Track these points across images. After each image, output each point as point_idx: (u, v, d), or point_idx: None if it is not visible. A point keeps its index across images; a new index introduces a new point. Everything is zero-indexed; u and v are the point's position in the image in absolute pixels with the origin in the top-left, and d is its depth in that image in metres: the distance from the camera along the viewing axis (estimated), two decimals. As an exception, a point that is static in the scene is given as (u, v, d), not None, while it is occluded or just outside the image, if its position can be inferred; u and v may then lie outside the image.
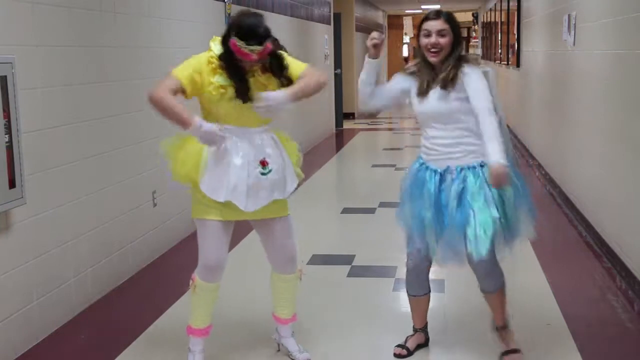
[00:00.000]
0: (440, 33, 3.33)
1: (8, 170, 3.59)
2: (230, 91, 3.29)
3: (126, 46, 5.00)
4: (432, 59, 3.36)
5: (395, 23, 28.57)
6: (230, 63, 3.27)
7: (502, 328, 3.61)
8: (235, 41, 3.20)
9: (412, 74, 3.51)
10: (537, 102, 8.99)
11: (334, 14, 14.26)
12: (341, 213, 7.05)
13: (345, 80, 15.48)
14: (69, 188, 4.26)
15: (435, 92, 3.38)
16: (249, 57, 3.21)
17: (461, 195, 3.35)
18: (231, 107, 3.32)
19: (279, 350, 3.77)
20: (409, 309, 3.83)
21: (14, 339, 3.75)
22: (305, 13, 11.39)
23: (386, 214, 6.90)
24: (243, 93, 3.29)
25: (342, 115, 15.06)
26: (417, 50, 3.46)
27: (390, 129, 15.05)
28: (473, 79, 3.32)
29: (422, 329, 3.80)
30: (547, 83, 8.37)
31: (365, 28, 19.23)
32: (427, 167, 3.47)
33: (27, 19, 3.85)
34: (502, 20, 14.30)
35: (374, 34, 3.46)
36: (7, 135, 3.56)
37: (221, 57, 3.29)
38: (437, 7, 24.74)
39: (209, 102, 3.34)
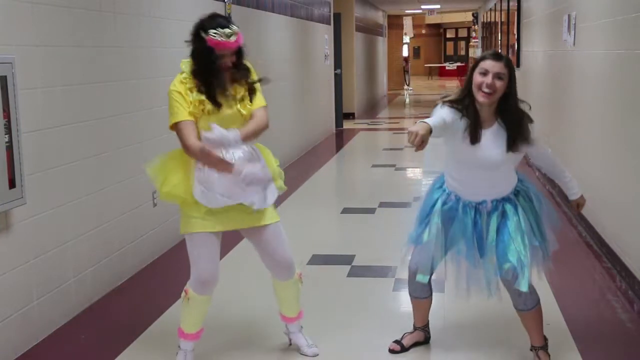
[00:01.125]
0: (498, 76, 3.20)
1: (8, 170, 3.59)
2: (208, 104, 3.35)
3: (126, 46, 5.00)
4: (482, 99, 3.21)
5: (395, 23, 28.57)
6: (205, 67, 3.33)
7: (539, 349, 3.53)
8: (211, 36, 3.28)
9: (453, 106, 3.29)
10: (537, 102, 8.98)
11: (334, 14, 14.26)
12: (341, 213, 7.05)
13: (345, 80, 15.48)
14: (69, 188, 4.26)
15: (490, 137, 3.27)
16: (229, 45, 3.29)
17: (500, 226, 3.32)
18: (212, 121, 3.35)
19: (290, 344, 3.82)
20: (408, 309, 3.84)
21: (13, 338, 3.76)
22: (305, 13, 11.39)
23: (386, 214, 6.91)
24: (214, 95, 3.35)
25: (342, 115, 15.05)
26: (465, 87, 3.29)
27: (390, 129, 15.04)
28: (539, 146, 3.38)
29: (422, 327, 3.80)
30: (547, 83, 8.37)
31: (365, 28, 19.23)
32: (458, 198, 3.40)
33: (27, 19, 3.85)
34: (502, 20, 14.30)
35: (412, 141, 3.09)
36: (7, 135, 3.56)
37: (194, 71, 3.36)
38: (437, 6, 24.77)
39: (201, 119, 3.37)
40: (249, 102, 3.46)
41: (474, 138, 3.25)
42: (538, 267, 3.44)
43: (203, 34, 3.32)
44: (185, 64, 3.41)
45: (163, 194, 3.44)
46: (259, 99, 3.51)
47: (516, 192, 3.38)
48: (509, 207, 3.34)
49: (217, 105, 3.35)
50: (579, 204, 3.63)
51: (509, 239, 3.30)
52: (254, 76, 3.51)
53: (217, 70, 3.34)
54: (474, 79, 3.23)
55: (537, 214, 3.39)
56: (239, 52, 3.41)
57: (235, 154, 3.35)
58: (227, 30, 3.30)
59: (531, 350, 3.55)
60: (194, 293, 3.45)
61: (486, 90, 3.19)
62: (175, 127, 3.36)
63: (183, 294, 3.49)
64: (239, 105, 3.42)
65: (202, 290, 3.45)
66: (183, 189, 3.39)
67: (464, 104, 3.27)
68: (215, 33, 3.29)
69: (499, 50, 3.39)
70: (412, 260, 3.61)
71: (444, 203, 3.42)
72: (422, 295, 3.70)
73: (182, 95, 3.35)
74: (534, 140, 3.32)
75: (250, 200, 3.38)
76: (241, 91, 3.44)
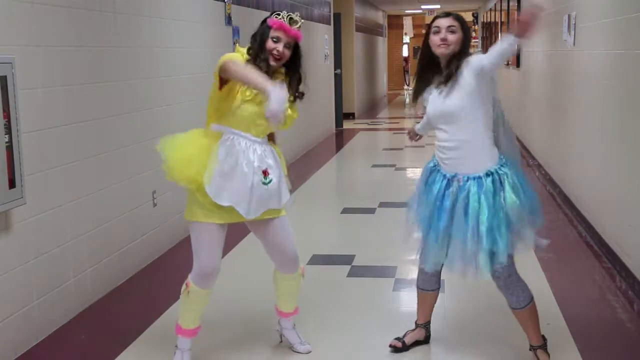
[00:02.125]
0: (449, 29, 3.34)
1: (8, 170, 3.59)
2: (260, 96, 3.28)
3: (126, 46, 5.00)
4: (440, 50, 3.34)
5: (395, 23, 28.57)
6: (258, 43, 3.34)
7: (538, 348, 3.52)
8: (274, 18, 3.33)
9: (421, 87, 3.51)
10: (537, 102, 8.99)
11: (334, 14, 14.26)
12: (341, 213, 7.05)
13: (345, 80, 15.49)
14: (69, 188, 4.26)
15: (440, 91, 3.38)
16: (286, 28, 3.31)
17: (467, 207, 3.33)
18: (250, 112, 3.34)
19: (281, 342, 3.82)
20: (408, 309, 3.84)
21: (14, 338, 3.76)
22: (305, 13, 11.39)
23: (386, 214, 6.91)
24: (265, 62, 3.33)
25: (342, 115, 15.05)
26: (422, 54, 3.45)
27: (390, 129, 15.05)
28: (475, 57, 3.33)
29: (424, 325, 3.80)
30: (547, 83, 8.37)
31: (365, 28, 19.23)
32: (438, 170, 3.49)
33: (27, 19, 3.85)
34: (502, 20, 14.30)
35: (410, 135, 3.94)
36: (7, 136, 3.56)
37: (248, 49, 3.37)
38: (437, 6, 24.76)
39: (232, 103, 3.33)
40: (292, 109, 3.46)
41: (427, 92, 3.44)
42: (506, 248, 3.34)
43: (265, 20, 3.37)
44: (243, 49, 3.42)
45: (176, 175, 3.35)
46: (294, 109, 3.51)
47: (488, 173, 3.34)
48: (473, 187, 3.33)
49: (268, 66, 3.30)
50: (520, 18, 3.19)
51: (475, 220, 3.31)
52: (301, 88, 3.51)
53: (265, 48, 3.32)
54: (431, 40, 3.39)
55: (505, 203, 3.31)
56: (296, 51, 3.42)
57: (257, 151, 3.37)
58: (292, 16, 3.34)
59: (530, 350, 3.55)
60: (195, 286, 3.44)
61: (442, 44, 3.34)
62: (226, 63, 3.22)
63: (184, 286, 3.48)
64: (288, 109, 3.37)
65: (203, 283, 3.44)
66: (201, 175, 3.33)
67: (420, 73, 3.48)
68: (278, 14, 3.35)
69: None
70: (421, 254, 3.64)
71: (430, 169, 3.54)
72: (430, 287, 3.71)
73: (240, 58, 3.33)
74: (465, 66, 3.32)
75: (243, 208, 3.37)
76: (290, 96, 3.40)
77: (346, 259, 5.37)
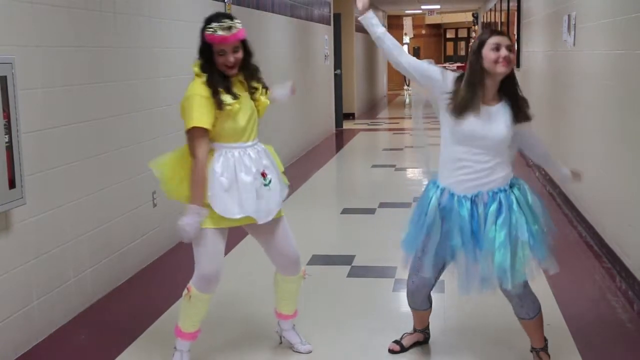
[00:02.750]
0: (509, 48, 3.24)
1: (8, 171, 3.59)
2: (235, 107, 3.32)
3: (126, 46, 5.00)
4: (502, 69, 3.20)
5: (395, 23, 28.58)
6: (207, 62, 3.32)
7: (540, 350, 3.53)
8: (207, 32, 3.27)
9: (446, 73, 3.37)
10: (537, 102, 8.99)
11: (334, 14, 14.26)
12: (341, 213, 7.05)
13: (345, 80, 15.49)
14: (69, 188, 4.26)
15: (494, 116, 3.27)
16: (225, 40, 3.25)
17: (498, 215, 3.27)
18: (234, 125, 3.35)
19: (281, 343, 3.82)
20: (408, 309, 3.83)
21: (14, 338, 3.76)
22: (305, 13, 11.39)
23: (386, 214, 6.91)
24: (228, 87, 3.33)
25: (342, 115, 15.05)
26: (474, 68, 3.26)
27: (390, 130, 15.05)
28: (529, 126, 3.34)
29: (422, 330, 3.80)
30: (547, 83, 8.37)
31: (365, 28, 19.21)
32: (452, 194, 3.33)
33: (27, 19, 3.85)
34: (502, 20, 14.30)
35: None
36: (7, 136, 3.56)
37: (201, 67, 3.33)
38: (437, 7, 24.77)
39: (220, 122, 3.33)
40: (264, 94, 3.49)
41: (465, 108, 3.25)
42: (532, 267, 3.35)
43: (202, 34, 3.32)
44: (196, 65, 3.37)
45: (173, 194, 3.42)
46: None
47: (511, 185, 3.34)
48: (503, 198, 3.28)
49: (222, 103, 3.29)
50: (575, 173, 3.64)
51: (506, 228, 3.25)
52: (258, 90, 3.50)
53: (217, 65, 3.31)
54: (487, 56, 3.21)
55: (533, 209, 3.34)
56: (246, 50, 3.37)
57: (251, 155, 3.38)
58: (224, 23, 3.25)
59: (531, 351, 3.55)
60: (197, 291, 3.43)
61: (503, 62, 3.21)
62: (191, 131, 3.27)
63: (185, 291, 3.46)
64: (263, 97, 3.47)
65: (205, 288, 3.43)
66: (182, 192, 3.40)
67: (475, 80, 3.27)
68: (210, 28, 3.27)
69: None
70: (410, 279, 3.58)
71: (439, 202, 3.35)
72: (421, 307, 3.70)
73: (207, 99, 3.27)
74: (530, 118, 3.35)
75: (260, 214, 3.39)
76: (253, 83, 3.45)
77: (346, 260, 5.37)
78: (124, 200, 4.96)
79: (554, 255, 3.41)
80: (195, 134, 3.27)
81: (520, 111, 3.31)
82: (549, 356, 3.53)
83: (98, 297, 4.59)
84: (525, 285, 3.38)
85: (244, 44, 3.38)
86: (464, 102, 3.24)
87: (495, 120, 3.26)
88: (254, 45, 3.51)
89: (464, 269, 3.34)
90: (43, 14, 4.00)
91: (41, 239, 3.99)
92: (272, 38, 9.26)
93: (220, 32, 3.25)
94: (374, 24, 3.46)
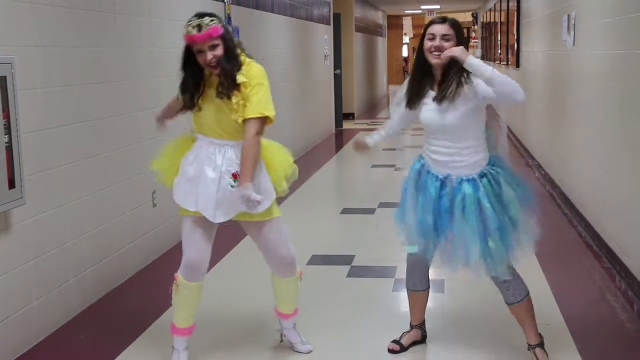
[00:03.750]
0: (444, 37, 3.30)
1: (8, 171, 3.59)
2: (210, 104, 3.38)
3: (126, 46, 5.00)
4: (434, 60, 3.32)
5: (394, 23, 28.58)
6: (183, 64, 3.37)
7: (536, 346, 3.52)
8: (185, 34, 3.28)
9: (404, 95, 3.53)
10: (537, 103, 8.99)
11: (334, 14, 14.26)
12: (341, 213, 7.05)
13: (344, 80, 15.49)
14: (69, 188, 4.26)
15: (438, 103, 3.33)
16: (194, 38, 3.24)
17: (464, 209, 3.32)
18: (208, 116, 3.37)
19: (281, 342, 3.83)
20: (408, 309, 3.83)
21: (13, 339, 3.76)
22: (305, 13, 11.40)
23: (386, 214, 6.90)
24: (189, 93, 3.38)
25: (342, 115, 15.06)
26: (417, 58, 3.42)
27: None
28: (482, 84, 3.26)
29: (419, 325, 3.80)
30: (547, 83, 8.37)
31: (365, 28, 19.23)
32: (428, 171, 3.45)
33: (27, 19, 3.85)
34: (502, 20, 14.31)
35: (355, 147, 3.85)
36: (6, 136, 3.56)
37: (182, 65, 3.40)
38: (437, 7, 24.76)
39: (193, 115, 3.45)
40: (242, 110, 3.32)
41: (417, 99, 3.42)
42: (513, 252, 3.38)
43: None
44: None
45: (155, 171, 3.56)
46: (254, 105, 3.29)
47: (482, 174, 3.36)
48: (468, 189, 3.32)
49: (189, 106, 3.40)
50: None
51: (469, 231, 3.31)
52: (246, 76, 3.31)
53: (194, 67, 3.33)
54: (424, 45, 3.36)
55: (504, 200, 3.34)
56: (225, 43, 3.28)
57: (227, 153, 3.38)
58: (194, 22, 3.24)
59: (529, 349, 3.56)
60: (182, 279, 3.47)
61: (435, 52, 3.31)
62: (265, 120, 3.31)
63: (174, 280, 3.52)
64: (235, 114, 3.32)
65: (190, 275, 3.46)
66: (168, 177, 3.49)
67: (412, 78, 3.44)
68: (185, 28, 3.28)
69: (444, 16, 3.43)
70: (407, 256, 3.65)
71: (418, 171, 3.49)
72: (419, 287, 3.71)
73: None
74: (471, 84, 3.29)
75: (209, 213, 3.38)
76: (238, 96, 3.30)
77: (346, 259, 5.37)
78: (124, 200, 4.96)
79: (538, 230, 3.44)
80: (263, 125, 3.33)
81: (441, 96, 3.31)
82: (546, 354, 3.53)
83: (98, 297, 4.59)
84: (512, 270, 3.42)
85: (224, 41, 3.29)
86: (409, 94, 3.43)
87: (449, 107, 3.31)
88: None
89: (444, 246, 3.43)
90: (43, 14, 4.00)
91: (41, 239, 3.99)
92: (272, 38, 9.26)
93: (190, 31, 3.25)
94: (375, 140, 3.76)
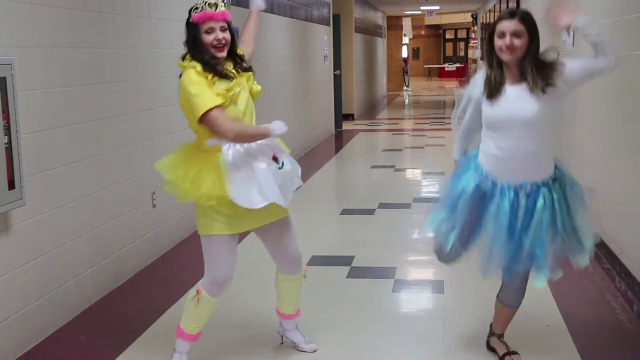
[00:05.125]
0: (515, 34, 3.17)
1: (7, 172, 3.59)
2: (235, 90, 3.30)
3: (125, 47, 5.00)
4: (506, 57, 3.19)
5: (394, 24, 28.58)
6: (194, 45, 3.30)
7: (500, 335, 3.64)
8: (194, 14, 3.27)
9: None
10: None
11: (333, 15, 14.27)
12: (340, 214, 7.05)
13: (344, 81, 15.49)
14: (69, 189, 4.26)
15: (516, 93, 3.21)
16: (211, 15, 3.23)
17: (533, 213, 3.24)
18: (235, 110, 3.31)
19: (282, 343, 3.82)
20: (408, 310, 3.84)
21: (13, 339, 3.75)
22: (305, 14, 11.40)
23: (385, 215, 6.91)
24: (220, 70, 3.31)
25: (342, 116, 15.06)
26: (488, 55, 3.29)
27: (389, 130, 15.05)
28: (569, 65, 3.25)
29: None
30: (547, 84, 8.35)
31: (365, 29, 19.23)
32: (494, 181, 3.27)
33: (27, 20, 3.85)
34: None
35: None
36: (6, 137, 3.56)
37: (192, 55, 3.30)
38: (436, 7, 24.77)
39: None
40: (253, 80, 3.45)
41: (493, 92, 3.22)
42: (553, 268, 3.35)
43: (188, 22, 3.31)
44: (186, 61, 3.31)
45: (198, 195, 3.27)
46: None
47: (554, 179, 3.29)
48: (546, 194, 3.23)
49: (228, 77, 3.28)
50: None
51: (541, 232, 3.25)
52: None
53: (206, 45, 3.27)
54: (495, 43, 3.22)
55: (570, 205, 3.30)
56: (231, 33, 3.33)
57: (259, 143, 3.34)
58: (210, 1, 3.26)
59: (493, 335, 3.63)
60: (206, 295, 3.40)
61: (507, 51, 3.19)
62: (207, 116, 3.20)
63: (194, 292, 3.42)
64: (255, 85, 3.44)
65: (216, 292, 3.41)
66: (219, 188, 3.25)
67: (492, 66, 3.27)
68: (196, 8, 3.27)
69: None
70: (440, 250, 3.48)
71: (480, 186, 3.28)
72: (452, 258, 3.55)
73: (205, 83, 3.24)
74: (560, 73, 3.23)
75: (281, 200, 3.33)
76: (248, 75, 3.43)
77: (345, 260, 5.37)
78: (124, 201, 4.96)
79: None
80: (214, 115, 3.19)
81: (533, 84, 3.18)
82: (505, 345, 3.60)
83: (97, 298, 4.58)
84: (528, 274, 3.41)
85: (230, 28, 3.34)
86: (490, 90, 3.24)
87: (515, 100, 3.20)
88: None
89: (488, 254, 3.28)
90: (43, 14, 4.00)
91: (41, 240, 3.99)
92: (272, 39, 9.26)
93: (207, 9, 3.25)
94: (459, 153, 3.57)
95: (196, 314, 3.47)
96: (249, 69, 3.45)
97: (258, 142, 3.32)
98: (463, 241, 3.35)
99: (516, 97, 3.21)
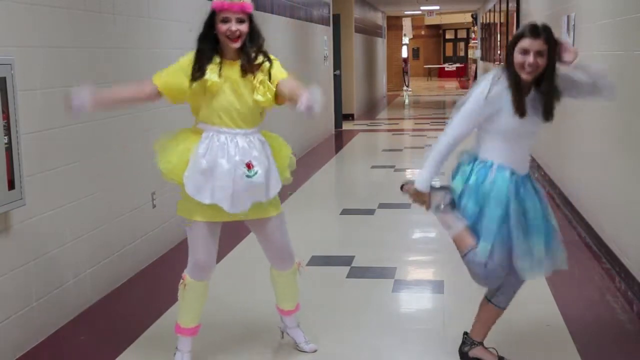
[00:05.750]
0: (539, 53, 3.14)
1: (7, 172, 3.59)
2: (227, 85, 3.31)
3: (125, 47, 5.00)
4: (526, 76, 3.18)
5: (394, 24, 28.59)
6: (204, 31, 3.34)
7: (480, 343, 3.56)
8: (214, 0, 3.28)
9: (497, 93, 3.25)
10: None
11: (333, 15, 14.27)
12: (340, 214, 7.05)
13: (344, 81, 15.49)
14: (68, 189, 4.26)
15: (531, 105, 3.26)
16: (230, 6, 3.25)
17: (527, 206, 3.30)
18: (226, 102, 3.32)
19: (282, 338, 3.82)
20: (408, 310, 3.84)
21: (13, 340, 3.75)
22: (305, 14, 11.40)
23: (385, 215, 6.91)
24: (201, 64, 3.31)
25: (342, 116, 15.06)
26: (505, 67, 3.25)
27: (389, 130, 15.05)
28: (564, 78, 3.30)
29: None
30: (546, 84, 8.36)
31: (365, 29, 19.23)
32: (519, 177, 3.34)
33: (27, 20, 3.86)
34: (501, 21, 14.32)
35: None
36: (6, 137, 3.56)
37: (199, 37, 3.35)
38: (436, 7, 24.79)
39: (204, 100, 3.33)
40: (269, 84, 3.35)
41: (524, 111, 3.22)
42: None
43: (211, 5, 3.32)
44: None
45: (162, 170, 3.41)
46: (279, 71, 3.40)
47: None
48: (534, 183, 3.38)
49: (199, 74, 3.27)
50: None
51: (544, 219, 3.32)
52: (272, 62, 3.44)
53: (214, 34, 3.29)
54: (515, 58, 3.18)
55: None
56: (250, 24, 3.34)
57: (239, 143, 3.33)
58: None
59: (478, 346, 3.53)
60: (190, 279, 3.48)
61: (529, 69, 3.16)
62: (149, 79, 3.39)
63: (181, 280, 3.52)
64: (257, 93, 3.34)
65: (198, 275, 3.47)
66: (179, 169, 3.36)
67: (510, 80, 3.23)
68: None
69: (537, 24, 3.25)
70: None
71: (516, 189, 3.29)
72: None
73: (183, 68, 3.32)
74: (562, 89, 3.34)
75: (227, 204, 3.33)
76: (259, 76, 3.36)
77: (345, 260, 5.37)
78: (124, 201, 4.96)
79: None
80: (146, 80, 3.37)
81: (551, 110, 3.34)
82: (495, 352, 3.55)
83: (97, 298, 4.58)
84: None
85: (250, 22, 3.35)
86: (520, 101, 3.21)
87: (537, 110, 3.29)
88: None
89: (526, 249, 3.27)
90: (43, 15, 4.00)
91: (41, 240, 3.99)
92: (271, 39, 9.22)
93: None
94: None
95: (187, 302, 3.52)
96: (253, 69, 3.37)
97: (238, 144, 3.33)
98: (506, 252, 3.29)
99: (531, 108, 3.27)
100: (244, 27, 3.31)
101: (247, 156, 3.34)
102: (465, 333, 3.59)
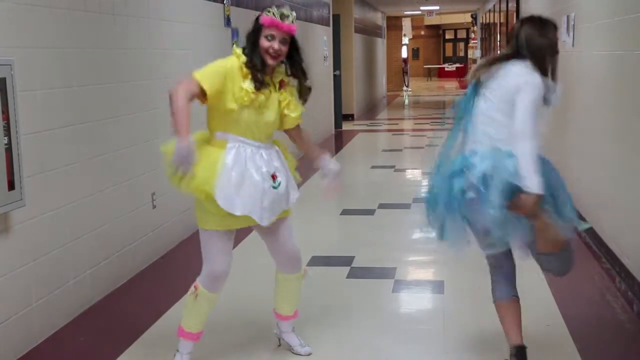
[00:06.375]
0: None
1: (7, 172, 3.59)
2: (260, 98, 3.31)
3: (125, 48, 5.00)
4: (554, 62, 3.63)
5: (394, 24, 28.60)
6: (251, 44, 3.32)
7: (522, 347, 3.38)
8: (264, 15, 3.29)
9: None
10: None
11: (333, 15, 14.27)
12: (340, 214, 7.05)
13: (344, 81, 15.49)
14: (68, 190, 4.26)
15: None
16: (278, 24, 3.27)
17: None
18: (251, 118, 3.32)
19: (279, 345, 3.81)
20: (408, 310, 3.84)
21: (13, 340, 3.75)
22: (305, 14, 11.40)
23: (385, 215, 6.91)
24: (259, 80, 3.31)
25: (342, 116, 15.06)
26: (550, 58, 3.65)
27: (389, 130, 15.05)
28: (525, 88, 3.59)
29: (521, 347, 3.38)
30: (546, 84, 8.36)
31: (364, 29, 19.23)
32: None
33: (26, 21, 3.86)
34: (501, 21, 14.32)
35: None
36: (6, 137, 3.56)
37: (243, 50, 3.34)
38: (436, 8, 24.78)
39: (231, 109, 3.30)
40: (297, 103, 3.48)
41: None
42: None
43: (258, 19, 3.33)
44: (238, 48, 3.38)
45: (190, 187, 3.28)
46: (298, 103, 3.54)
47: None
48: None
49: (262, 84, 3.30)
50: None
51: None
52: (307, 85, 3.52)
53: (259, 48, 3.30)
54: (554, 49, 3.67)
55: None
56: (293, 45, 3.39)
57: (264, 156, 3.38)
58: (283, 11, 3.30)
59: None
60: (203, 289, 3.44)
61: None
62: (190, 75, 3.27)
63: (192, 289, 3.46)
64: (286, 109, 3.45)
65: (212, 286, 3.44)
66: (208, 185, 3.27)
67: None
68: (269, 11, 3.30)
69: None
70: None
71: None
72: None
73: (226, 77, 3.27)
74: None
75: (258, 216, 3.34)
76: (287, 97, 3.45)
77: (346, 261, 5.37)
78: (123, 202, 4.96)
79: None
80: (189, 79, 3.25)
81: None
82: None
83: (97, 299, 4.58)
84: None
85: (292, 41, 3.39)
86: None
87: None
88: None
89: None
90: (42, 15, 4.00)
91: (40, 241, 3.99)
92: (271, 39, 9.25)
93: (276, 17, 3.28)
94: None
95: (195, 310, 3.49)
96: (281, 86, 3.45)
97: (263, 156, 3.38)
98: None
99: None
100: (285, 48, 3.36)
101: (271, 168, 3.40)
102: (515, 347, 3.37)
